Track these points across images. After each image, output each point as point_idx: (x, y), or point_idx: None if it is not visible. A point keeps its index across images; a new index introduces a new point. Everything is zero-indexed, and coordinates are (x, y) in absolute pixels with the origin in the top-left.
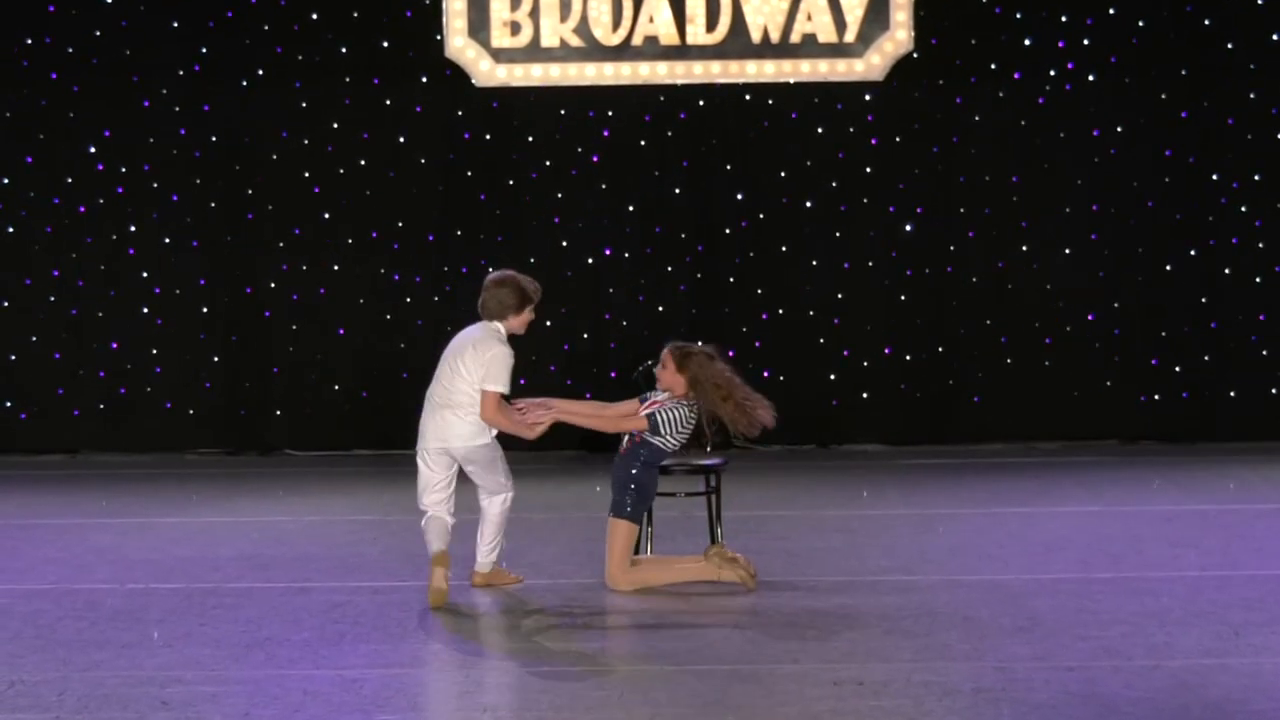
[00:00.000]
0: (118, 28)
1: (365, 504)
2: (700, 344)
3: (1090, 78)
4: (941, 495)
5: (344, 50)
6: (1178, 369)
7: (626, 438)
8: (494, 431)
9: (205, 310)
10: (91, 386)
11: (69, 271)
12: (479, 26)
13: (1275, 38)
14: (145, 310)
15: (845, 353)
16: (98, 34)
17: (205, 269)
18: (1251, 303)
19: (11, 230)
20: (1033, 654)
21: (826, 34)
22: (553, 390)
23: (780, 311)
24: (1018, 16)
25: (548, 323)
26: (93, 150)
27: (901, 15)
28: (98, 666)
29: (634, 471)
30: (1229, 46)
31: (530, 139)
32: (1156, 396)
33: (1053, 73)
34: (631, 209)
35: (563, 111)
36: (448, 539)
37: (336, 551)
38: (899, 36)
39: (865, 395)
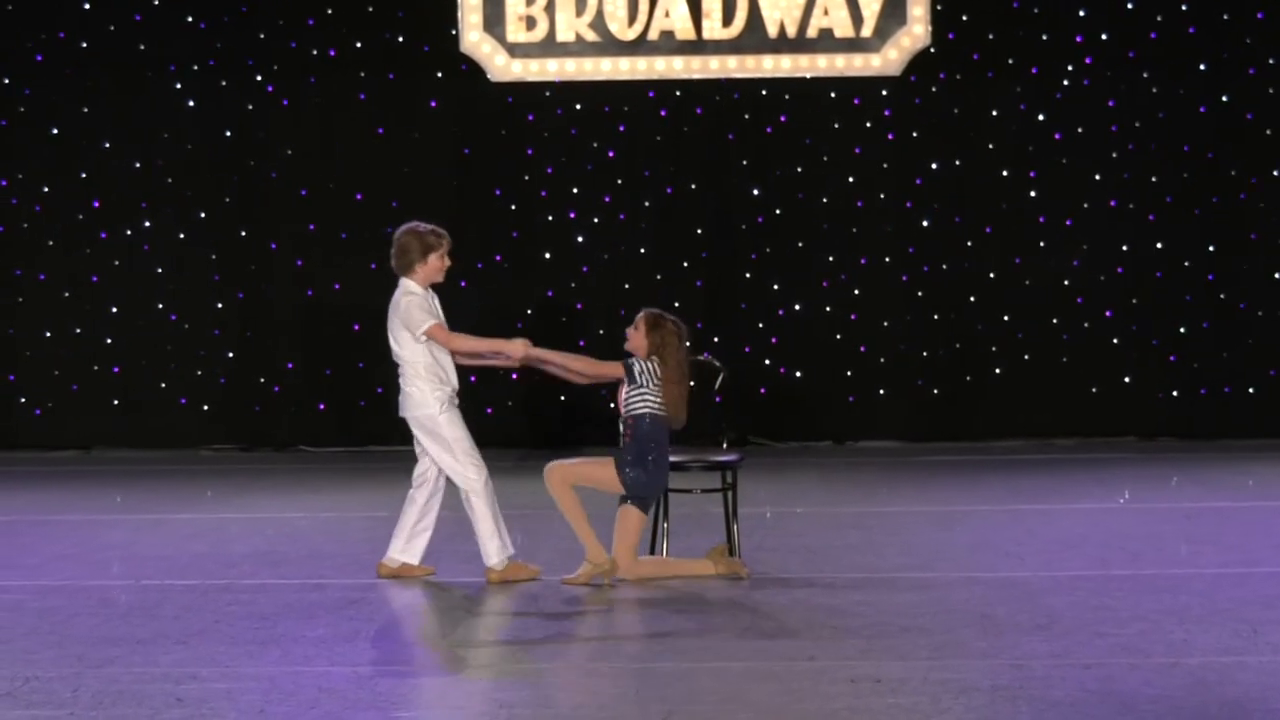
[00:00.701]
0: (132, 23)
1: (380, 500)
2: (674, 321)
3: (1108, 73)
4: (958, 492)
5: (358, 45)
6: (1196, 365)
7: (623, 427)
8: (441, 404)
9: (219, 306)
10: (105, 382)
11: (82, 267)
12: (494, 21)
13: None
14: (159, 306)
15: (862, 349)
16: (112, 29)
17: (219, 265)
18: (1270, 298)
19: (25, 226)
20: (1050, 651)
21: (843, 29)
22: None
23: (796, 307)
24: (1035, 11)
25: (563, 319)
26: (106, 146)
27: (918, 10)
28: (112, 663)
29: (631, 457)
30: (1247, 41)
31: (545, 134)
32: (1175, 393)
33: (1070, 68)
34: (647, 204)
35: (578, 106)
36: (409, 517)
37: (351, 548)
38: (916, 31)
39: (882, 392)
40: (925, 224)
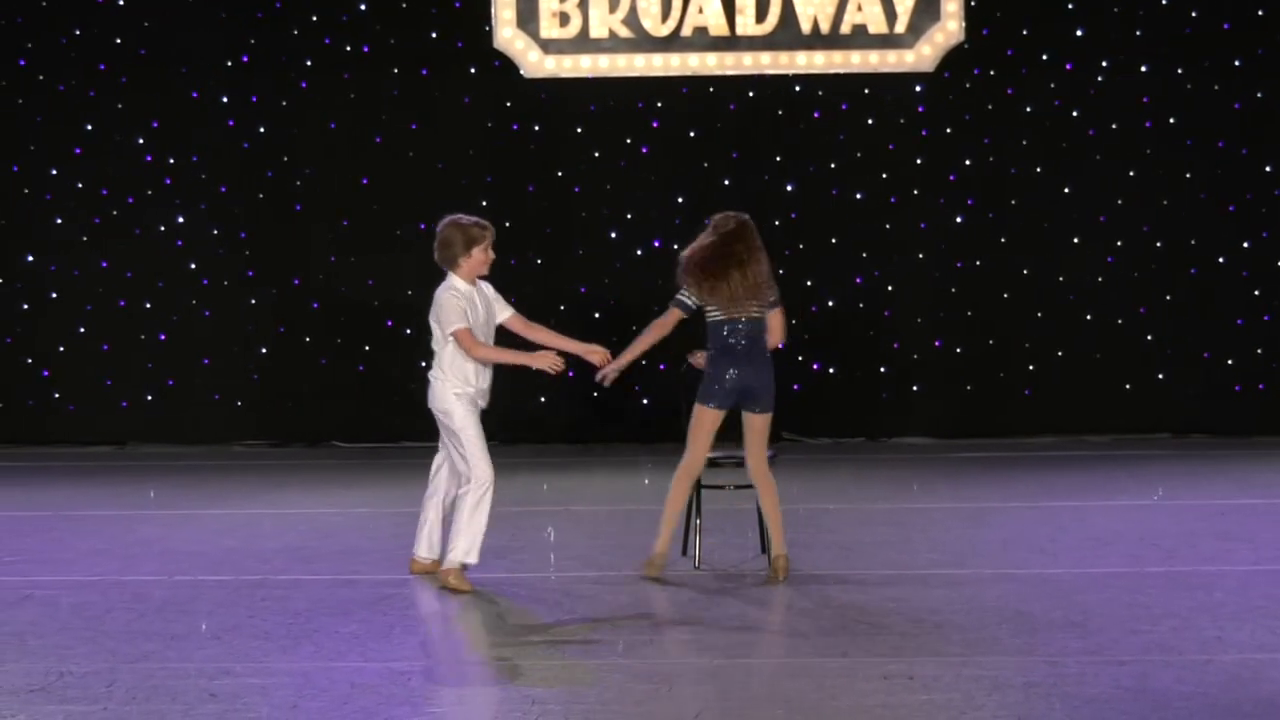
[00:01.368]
0: (166, 19)
1: (413, 496)
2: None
3: (1142, 68)
4: (991, 489)
5: (392, 41)
6: (1230, 362)
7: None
8: (459, 401)
9: (253, 302)
10: (139, 378)
11: (117, 263)
12: (528, 17)
13: None
14: (193, 302)
15: (895, 345)
16: (146, 25)
17: (253, 260)
18: None
19: (59, 222)
20: (1084, 648)
21: (877, 25)
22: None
23: (829, 304)
24: (1069, 7)
25: (595, 315)
26: (141, 142)
27: (952, 6)
28: (146, 658)
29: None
30: None
31: (579, 130)
32: (1208, 390)
33: (1104, 63)
34: (680, 200)
35: (611, 103)
36: (427, 512)
37: (384, 544)
38: (950, 27)
39: (915, 388)
40: (958, 220)
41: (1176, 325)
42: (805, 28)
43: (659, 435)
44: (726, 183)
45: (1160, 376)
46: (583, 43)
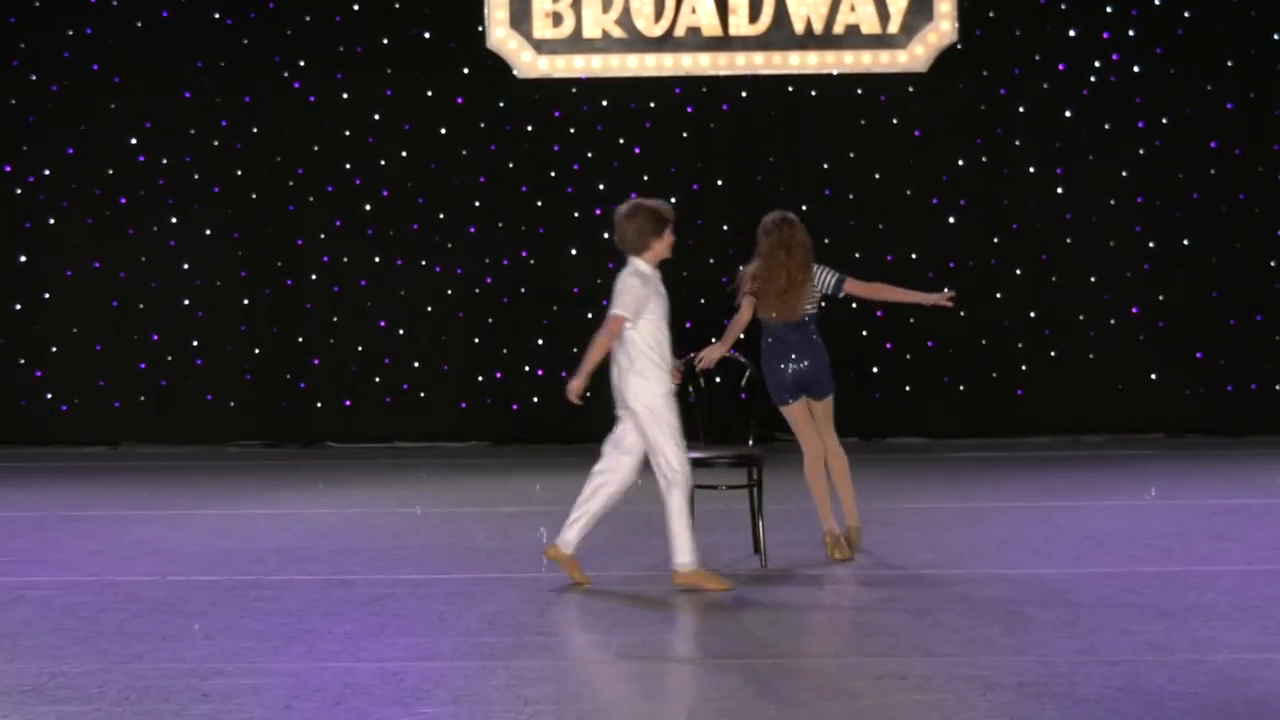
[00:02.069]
0: (159, 19)
1: (407, 496)
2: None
3: (1135, 69)
4: (986, 489)
5: (385, 41)
6: (1223, 362)
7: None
8: (659, 391)
9: (246, 302)
10: (133, 378)
11: (110, 263)
12: (521, 17)
13: None
14: (186, 302)
15: (889, 345)
16: (139, 25)
17: (246, 260)
18: None
19: (52, 221)
20: (1077, 648)
21: (870, 25)
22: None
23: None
24: (1062, 7)
25: (589, 314)
26: (134, 141)
27: (945, 6)
28: (139, 658)
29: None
30: (1275, 37)
31: (572, 130)
32: (1202, 389)
33: (1098, 64)
34: (674, 201)
35: (605, 103)
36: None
37: (378, 544)
38: (943, 27)
39: (909, 388)
40: (952, 220)
41: (1170, 325)
42: (798, 28)
43: None
44: (720, 183)
45: (1154, 377)
46: (576, 43)
